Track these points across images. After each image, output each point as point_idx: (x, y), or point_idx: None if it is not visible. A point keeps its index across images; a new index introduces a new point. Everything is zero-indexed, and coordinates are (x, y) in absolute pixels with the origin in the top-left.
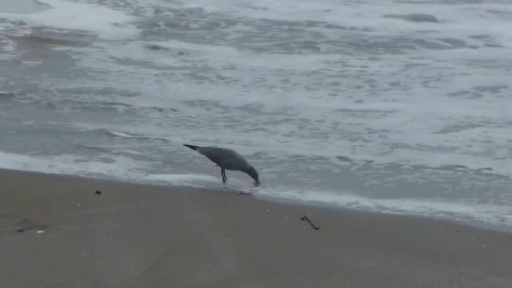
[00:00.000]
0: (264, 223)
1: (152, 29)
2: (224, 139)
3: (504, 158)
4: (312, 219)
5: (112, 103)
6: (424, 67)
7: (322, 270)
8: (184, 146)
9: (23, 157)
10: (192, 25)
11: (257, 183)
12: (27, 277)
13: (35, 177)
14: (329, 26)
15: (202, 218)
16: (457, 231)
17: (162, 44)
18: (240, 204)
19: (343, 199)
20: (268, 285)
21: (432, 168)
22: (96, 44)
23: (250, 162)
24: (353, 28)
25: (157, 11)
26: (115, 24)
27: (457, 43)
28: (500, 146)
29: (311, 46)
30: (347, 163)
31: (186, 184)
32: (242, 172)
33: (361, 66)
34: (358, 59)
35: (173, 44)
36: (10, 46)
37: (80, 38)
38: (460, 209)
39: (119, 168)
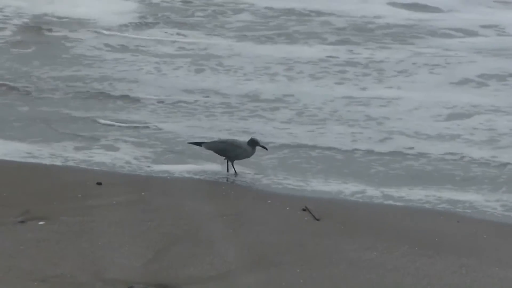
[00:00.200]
0: (265, 214)
1: (156, 17)
2: (221, 126)
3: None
4: (313, 210)
5: (109, 91)
6: (432, 55)
7: (323, 261)
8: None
9: (23, 145)
10: (197, 14)
11: (265, 149)
12: (28, 268)
13: (36, 168)
14: (336, 14)
15: (203, 209)
16: (458, 222)
17: (164, 32)
18: (241, 195)
19: (349, 188)
20: (269, 276)
21: (434, 156)
22: (95, 32)
23: None
24: (362, 16)
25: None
26: (119, 13)
27: (466, 32)
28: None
29: (317, 36)
30: (349, 150)
31: (187, 175)
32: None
33: (369, 55)
34: (365, 48)
35: (175, 32)
36: (5, 33)
37: (78, 26)
38: (469, 197)
39: (119, 158)
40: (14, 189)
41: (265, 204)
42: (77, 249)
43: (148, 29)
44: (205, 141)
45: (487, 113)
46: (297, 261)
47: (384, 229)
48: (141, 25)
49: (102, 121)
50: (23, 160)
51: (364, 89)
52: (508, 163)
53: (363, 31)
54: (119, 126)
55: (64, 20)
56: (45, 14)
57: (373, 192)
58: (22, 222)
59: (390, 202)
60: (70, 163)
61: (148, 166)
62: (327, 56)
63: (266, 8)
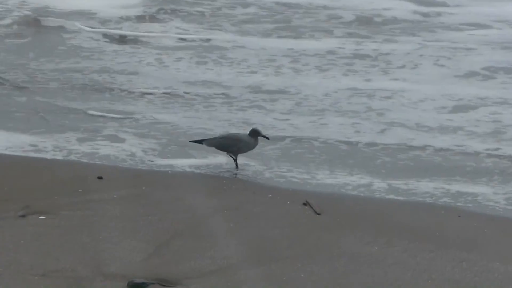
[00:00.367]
0: (266, 209)
1: (159, 10)
2: (220, 117)
3: None
4: (314, 204)
5: (109, 83)
6: (440, 48)
7: (323, 256)
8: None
9: (25, 136)
10: (203, 6)
11: (267, 138)
12: (29, 263)
13: (37, 163)
14: (343, 8)
15: (204, 203)
16: (459, 216)
17: (167, 24)
18: (242, 189)
19: (356, 181)
20: (270, 270)
21: (434, 148)
22: (95, 23)
23: None
24: (370, 9)
25: None
26: (123, 6)
27: (476, 26)
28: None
29: (324, 29)
30: (351, 142)
31: (188, 169)
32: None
33: (376, 48)
34: (372, 41)
35: (178, 24)
36: (5, 22)
37: (78, 17)
38: (470, 190)
39: (121, 151)
40: (15, 183)
41: (266, 199)
42: (78, 244)
43: (152, 21)
44: (206, 138)
45: (493, 105)
46: (298, 256)
47: (385, 223)
48: (145, 17)
49: (102, 113)
50: (25, 153)
51: (369, 80)
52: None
53: (370, 25)
54: (118, 118)
55: (65, 12)
56: (47, 7)
57: (377, 184)
58: (22, 216)
59: (392, 196)
60: (72, 157)
61: (151, 161)
62: (334, 48)
63: (272, 2)
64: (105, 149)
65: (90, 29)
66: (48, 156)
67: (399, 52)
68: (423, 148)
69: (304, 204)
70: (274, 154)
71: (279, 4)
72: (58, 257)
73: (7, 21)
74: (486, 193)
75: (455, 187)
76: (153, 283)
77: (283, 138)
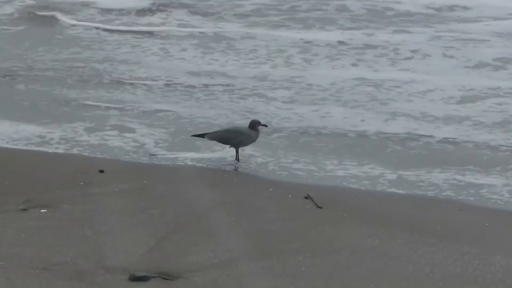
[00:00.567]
0: (267, 202)
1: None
2: (221, 106)
3: None
4: (315, 198)
5: (110, 73)
6: (452, 38)
7: (325, 249)
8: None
9: (32, 127)
10: None
11: (266, 126)
12: (30, 256)
13: (38, 156)
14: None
15: (206, 197)
16: (461, 209)
17: (173, 15)
18: (243, 183)
19: (366, 171)
20: (271, 264)
21: (436, 138)
22: (99, 14)
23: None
24: (381, 1)
25: None
26: None
27: (491, 18)
28: None
29: (333, 22)
30: (356, 131)
31: (189, 163)
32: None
33: (386, 39)
34: (383, 32)
35: (184, 15)
36: (7, 11)
37: (82, 8)
38: (472, 182)
39: (123, 143)
40: (16, 177)
41: (267, 192)
42: (79, 237)
43: (159, 11)
44: (208, 132)
45: (504, 96)
46: (299, 249)
47: (386, 217)
48: (151, 8)
49: (103, 104)
50: (31, 144)
51: (377, 71)
52: None
53: (381, 17)
54: (119, 108)
55: (68, 2)
56: None
57: (379, 173)
58: (24, 210)
59: (393, 189)
60: (76, 149)
61: (153, 155)
62: (344, 39)
63: None
64: (113, 141)
65: (98, 19)
66: (54, 146)
67: (409, 43)
68: (426, 138)
69: (306, 198)
70: (281, 144)
71: None
72: (59, 250)
73: (11, 10)
74: (489, 185)
75: (457, 179)
76: (154, 277)
77: (288, 128)
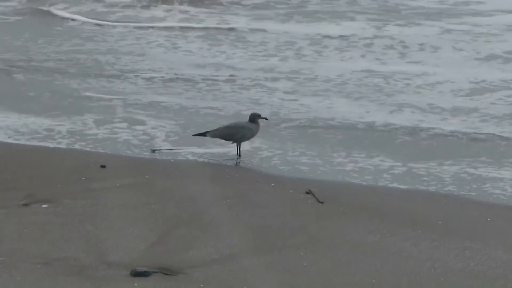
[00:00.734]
0: (268, 197)
1: None
2: (225, 98)
3: None
4: (316, 193)
5: (113, 64)
6: (463, 33)
7: (326, 245)
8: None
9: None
10: None
11: (266, 119)
12: (32, 251)
13: (40, 151)
14: None
15: (207, 192)
16: (462, 205)
17: (181, 7)
18: (244, 178)
19: (370, 163)
20: (273, 259)
21: (442, 131)
22: (104, 7)
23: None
24: None
25: None
26: None
27: (504, 12)
28: None
29: (343, 15)
30: (365, 122)
31: (191, 158)
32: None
33: (396, 32)
34: (394, 25)
35: (192, 8)
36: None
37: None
38: (474, 175)
39: (124, 138)
40: (18, 172)
41: (268, 187)
42: (81, 232)
43: (167, 3)
44: (209, 130)
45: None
46: (301, 244)
47: (388, 212)
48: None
49: (110, 96)
50: (37, 136)
51: (385, 63)
52: None
53: (392, 11)
54: (121, 100)
55: None
56: None
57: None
58: (25, 205)
59: (395, 184)
60: (83, 143)
61: (154, 151)
62: (354, 32)
63: None
64: (121, 134)
65: (105, 11)
66: (62, 139)
67: (419, 36)
68: (432, 130)
69: (307, 193)
70: (290, 135)
71: None
72: (61, 245)
73: (12, 2)
74: (492, 179)
75: (460, 172)
76: (156, 272)
77: (296, 119)
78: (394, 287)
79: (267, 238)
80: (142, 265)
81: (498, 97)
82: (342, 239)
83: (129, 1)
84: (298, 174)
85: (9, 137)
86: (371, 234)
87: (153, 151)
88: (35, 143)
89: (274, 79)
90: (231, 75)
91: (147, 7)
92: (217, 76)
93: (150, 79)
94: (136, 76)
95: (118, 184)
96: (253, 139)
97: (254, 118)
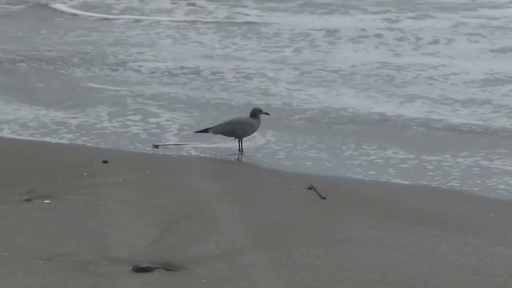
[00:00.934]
0: (271, 193)
1: None
2: (233, 88)
3: None
4: (319, 188)
5: (118, 53)
6: (479, 26)
7: (329, 240)
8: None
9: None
10: None
11: (267, 114)
12: (34, 247)
13: (42, 147)
14: None
15: (209, 187)
16: (464, 200)
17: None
18: (247, 173)
19: (387, 155)
20: (275, 255)
21: (451, 122)
22: None
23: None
24: None
25: None
26: None
27: None
28: None
29: (357, 7)
30: (373, 113)
31: (193, 153)
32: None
33: (410, 24)
34: (408, 18)
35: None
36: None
37: None
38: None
39: (127, 133)
40: (20, 167)
41: (271, 183)
42: (83, 228)
43: None
44: (210, 127)
45: None
46: (303, 240)
47: (390, 208)
48: None
49: (112, 87)
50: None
51: (398, 55)
52: None
53: (406, 3)
54: (129, 91)
55: None
56: None
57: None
58: (27, 200)
59: (398, 180)
60: (93, 137)
61: (157, 146)
62: (367, 24)
63: None
64: (133, 127)
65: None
66: (74, 133)
67: (434, 28)
68: (442, 121)
69: (309, 188)
70: (302, 126)
71: None
72: (63, 241)
73: None
74: (495, 173)
75: (466, 165)
76: (158, 267)
77: (306, 110)
78: (396, 283)
79: (269, 233)
80: (144, 261)
81: (510, 88)
82: (344, 235)
83: None
84: (301, 170)
85: (11, 133)
86: (374, 230)
87: (156, 146)
88: (37, 138)
89: (286, 70)
90: (237, 66)
91: None
92: (223, 67)
93: (155, 70)
94: (140, 66)
95: (120, 180)
96: (264, 131)
97: (255, 113)
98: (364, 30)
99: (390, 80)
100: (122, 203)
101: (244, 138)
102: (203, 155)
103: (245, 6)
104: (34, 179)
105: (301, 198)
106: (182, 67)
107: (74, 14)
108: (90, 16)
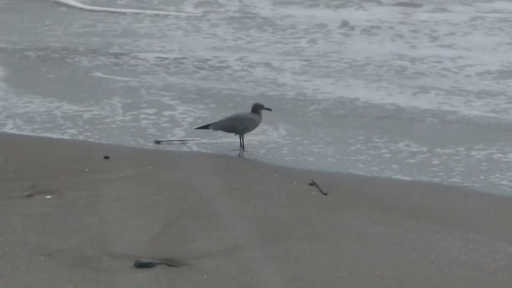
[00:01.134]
0: (272, 189)
1: None
2: (243, 79)
3: None
4: (320, 184)
5: (126, 43)
6: (496, 20)
7: (330, 236)
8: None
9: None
10: None
11: (270, 110)
12: (35, 242)
13: (44, 142)
14: None
15: (211, 183)
16: (466, 196)
17: None
18: (248, 169)
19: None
20: (277, 250)
21: (463, 115)
22: None
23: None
24: None
25: None
26: None
27: None
28: None
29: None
30: (390, 104)
31: (195, 149)
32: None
33: (427, 18)
34: (425, 11)
35: None
36: None
37: None
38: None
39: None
40: (21, 163)
41: (272, 178)
42: (84, 223)
43: None
44: (211, 122)
45: None
46: (304, 236)
47: (391, 203)
48: None
49: (119, 78)
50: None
51: (415, 47)
52: None
53: None
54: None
55: None
56: None
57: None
58: (29, 196)
59: (399, 176)
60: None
61: (159, 142)
62: (382, 16)
63: None
64: (147, 121)
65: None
66: (85, 126)
67: (450, 21)
68: (455, 113)
69: (311, 184)
70: (317, 116)
71: None
72: (64, 236)
73: None
74: (499, 168)
75: (471, 160)
76: (159, 263)
77: (321, 101)
78: (398, 279)
79: (271, 229)
80: (146, 257)
81: None
82: (345, 231)
83: None
84: (303, 165)
85: (12, 128)
86: (375, 225)
87: (157, 142)
88: (38, 133)
89: (299, 62)
90: (243, 57)
91: None
92: (232, 57)
93: (161, 60)
94: (143, 59)
95: (121, 175)
96: (276, 124)
97: (257, 108)
98: (379, 21)
99: (402, 70)
100: (123, 198)
101: (246, 134)
102: (204, 150)
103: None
104: (36, 174)
105: (303, 194)
106: (190, 57)
107: (80, 8)
108: (95, 10)
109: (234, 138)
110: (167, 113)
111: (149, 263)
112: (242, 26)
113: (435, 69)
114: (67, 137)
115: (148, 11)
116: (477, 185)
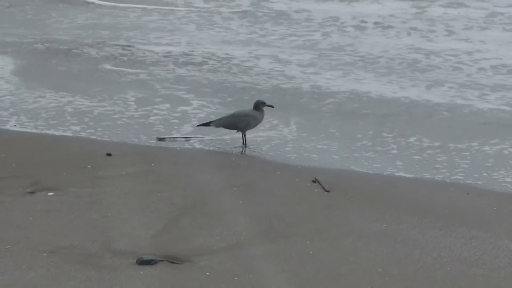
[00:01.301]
0: (274, 186)
1: None
2: (253, 72)
3: None
4: (323, 181)
5: (135, 36)
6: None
7: (332, 233)
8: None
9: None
10: None
11: (272, 107)
12: (38, 239)
13: (46, 139)
14: None
15: (213, 180)
16: (468, 194)
17: None
18: (250, 166)
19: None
20: (279, 248)
21: (469, 108)
22: None
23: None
24: None
25: None
26: None
27: None
28: None
29: None
30: (397, 98)
31: (197, 146)
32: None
33: (441, 14)
34: (440, 6)
35: None
36: None
37: None
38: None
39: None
40: (24, 160)
41: (274, 175)
42: (87, 220)
43: None
44: (212, 120)
45: None
46: (307, 233)
47: (394, 200)
48: None
49: (130, 70)
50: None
51: (431, 40)
52: None
53: None
54: (149, 75)
55: None
56: None
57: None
58: (31, 193)
59: (401, 173)
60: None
61: (161, 139)
62: (397, 11)
63: None
64: (160, 116)
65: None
66: (99, 120)
67: (466, 16)
68: (468, 107)
69: (313, 181)
70: (329, 110)
71: None
72: (67, 233)
73: None
74: (501, 165)
75: (475, 156)
76: (162, 260)
77: (335, 94)
78: (400, 276)
79: (273, 226)
80: (148, 253)
81: None
82: (348, 228)
83: None
84: (306, 162)
85: (14, 126)
86: (377, 222)
87: (160, 139)
88: (40, 130)
89: (312, 55)
90: (251, 51)
91: None
92: (236, 51)
93: (170, 53)
94: (150, 52)
95: (124, 172)
96: (287, 119)
97: (259, 105)
98: (393, 16)
99: (415, 63)
100: (126, 195)
101: (248, 131)
102: (206, 148)
103: None
104: (38, 171)
105: (305, 191)
106: (201, 51)
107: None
108: (110, 5)
109: (236, 135)
110: (179, 108)
111: (151, 260)
112: (256, 20)
113: (449, 62)
114: (70, 134)
115: (158, 7)
116: (479, 182)
